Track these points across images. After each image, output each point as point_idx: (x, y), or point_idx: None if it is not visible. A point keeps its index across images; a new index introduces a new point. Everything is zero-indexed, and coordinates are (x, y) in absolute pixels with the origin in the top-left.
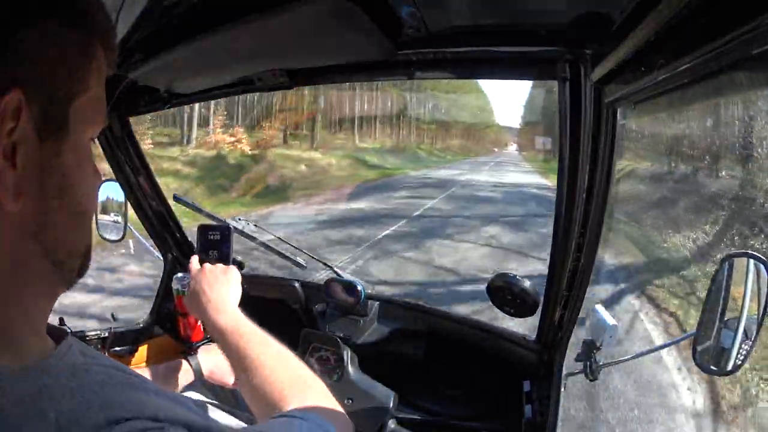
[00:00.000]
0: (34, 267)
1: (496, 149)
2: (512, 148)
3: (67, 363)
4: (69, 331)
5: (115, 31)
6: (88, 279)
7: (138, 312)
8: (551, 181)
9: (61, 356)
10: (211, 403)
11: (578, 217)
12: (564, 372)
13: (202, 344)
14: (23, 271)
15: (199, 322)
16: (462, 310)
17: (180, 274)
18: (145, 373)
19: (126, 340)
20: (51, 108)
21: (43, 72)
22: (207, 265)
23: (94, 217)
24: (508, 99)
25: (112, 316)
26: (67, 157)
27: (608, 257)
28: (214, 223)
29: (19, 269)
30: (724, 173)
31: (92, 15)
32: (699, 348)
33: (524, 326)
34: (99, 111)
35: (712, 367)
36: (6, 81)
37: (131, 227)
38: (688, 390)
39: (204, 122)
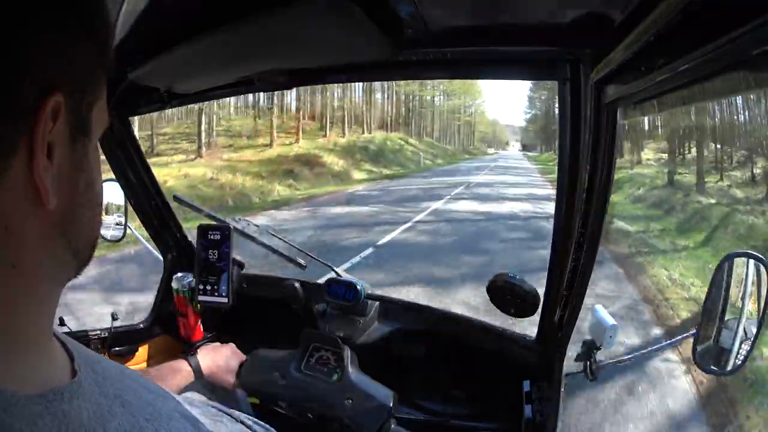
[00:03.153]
0: (58, 259)
1: (491, 149)
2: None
3: (88, 397)
4: (69, 330)
5: (112, 33)
6: (89, 278)
7: (138, 312)
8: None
9: (80, 383)
10: (210, 404)
11: (578, 217)
12: (564, 372)
13: (202, 344)
14: (49, 264)
15: (199, 322)
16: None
17: (180, 274)
18: (145, 373)
19: (126, 340)
20: (80, 111)
21: (75, 79)
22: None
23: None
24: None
25: (112, 316)
26: (90, 156)
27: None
28: (214, 223)
29: (46, 262)
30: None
31: (102, 26)
32: (699, 348)
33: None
34: (104, 115)
35: (712, 367)
36: (48, 84)
37: (131, 227)
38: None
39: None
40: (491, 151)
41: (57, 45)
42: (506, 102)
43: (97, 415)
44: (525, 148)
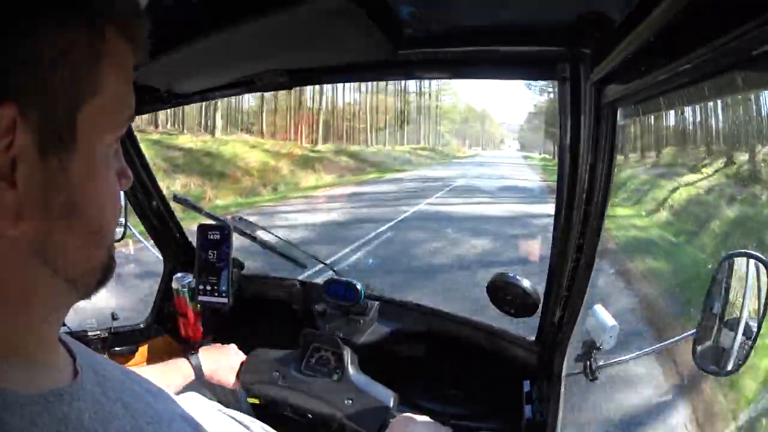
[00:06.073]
0: (45, 287)
1: (475, 149)
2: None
3: (89, 399)
4: (69, 330)
5: (139, 18)
6: None
7: (138, 312)
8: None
9: (81, 385)
10: (211, 404)
11: (578, 217)
12: (564, 372)
13: (203, 344)
14: (33, 292)
15: (199, 322)
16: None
17: (180, 274)
18: (145, 373)
19: (126, 340)
20: (52, 118)
21: (40, 79)
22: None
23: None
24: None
25: (112, 316)
26: (75, 172)
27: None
28: (214, 222)
29: (28, 291)
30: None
31: (101, 5)
32: (699, 348)
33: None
34: (118, 112)
35: (712, 367)
36: None
37: (131, 227)
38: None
39: None
40: (470, 152)
41: (2, 40)
42: (503, 96)
43: (99, 416)
44: (524, 148)
